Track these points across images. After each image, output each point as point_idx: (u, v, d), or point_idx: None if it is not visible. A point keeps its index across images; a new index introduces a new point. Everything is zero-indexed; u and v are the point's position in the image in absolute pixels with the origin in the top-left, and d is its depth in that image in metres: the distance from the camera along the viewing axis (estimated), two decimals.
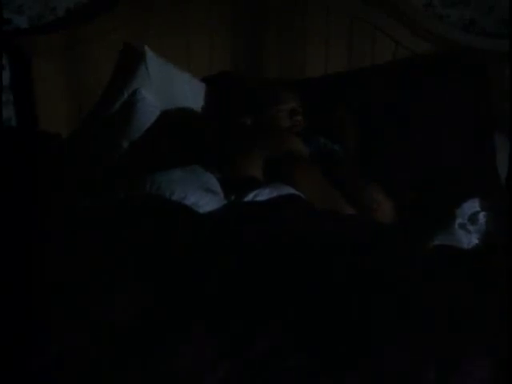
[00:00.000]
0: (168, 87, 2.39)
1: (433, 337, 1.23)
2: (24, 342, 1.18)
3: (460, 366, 1.17)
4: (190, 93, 2.42)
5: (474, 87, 2.41)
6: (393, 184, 2.14)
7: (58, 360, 1.14)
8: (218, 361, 1.16)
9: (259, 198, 1.77)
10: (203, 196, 1.74)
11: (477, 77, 2.43)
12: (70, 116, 2.47)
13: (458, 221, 1.93)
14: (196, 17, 2.49)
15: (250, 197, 1.78)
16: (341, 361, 1.17)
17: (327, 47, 2.57)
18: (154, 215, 1.60)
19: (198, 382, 1.12)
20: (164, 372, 1.14)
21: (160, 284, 1.35)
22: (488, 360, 1.19)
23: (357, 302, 1.32)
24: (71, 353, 1.16)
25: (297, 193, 1.84)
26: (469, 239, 1.86)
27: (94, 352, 1.17)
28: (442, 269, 1.54)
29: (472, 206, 1.98)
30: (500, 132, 2.40)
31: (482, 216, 1.94)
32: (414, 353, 1.19)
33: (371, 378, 1.14)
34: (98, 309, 1.26)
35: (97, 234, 1.53)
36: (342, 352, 1.19)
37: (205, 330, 1.22)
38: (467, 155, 2.30)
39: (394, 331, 1.24)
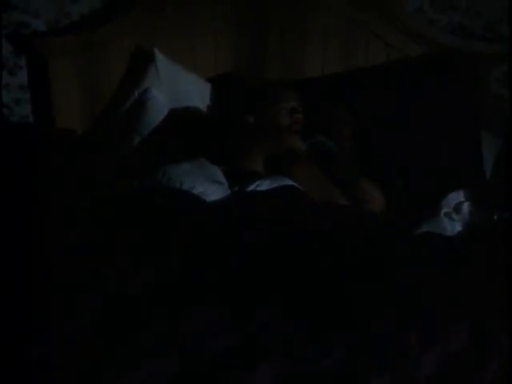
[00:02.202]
0: (176, 87, 2.46)
1: (417, 310, 1.33)
2: (24, 329, 1.22)
3: (440, 336, 1.26)
4: (196, 92, 2.49)
5: (463, 87, 2.51)
6: (385, 178, 2.24)
7: (58, 347, 1.17)
8: (219, 333, 1.22)
9: (260, 188, 1.86)
10: (210, 186, 1.83)
11: (466, 77, 2.54)
12: (84, 114, 2.54)
13: (444, 210, 2.04)
14: (201, 20, 2.55)
15: (251, 187, 1.86)
16: (330, 328, 1.26)
17: (325, 49, 2.64)
18: (170, 202, 1.69)
19: (198, 350, 1.18)
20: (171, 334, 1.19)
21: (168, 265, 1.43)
22: (465, 333, 1.28)
23: (348, 280, 1.41)
24: (71, 340, 1.18)
25: (295, 184, 1.92)
26: (453, 227, 1.97)
27: (95, 335, 1.20)
28: (428, 252, 1.65)
29: (457, 196, 2.09)
30: (485, 130, 2.52)
31: (465, 206, 2.05)
32: (400, 322, 1.28)
33: (358, 341, 1.23)
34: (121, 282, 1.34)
35: (123, 213, 1.62)
36: (332, 321, 1.28)
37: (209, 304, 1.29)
38: (455, 151, 2.39)
39: (381, 303, 1.33)
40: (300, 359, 1.18)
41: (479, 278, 1.52)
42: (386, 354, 1.21)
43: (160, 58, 2.44)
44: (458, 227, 1.98)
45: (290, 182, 1.93)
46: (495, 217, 1.99)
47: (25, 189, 2.01)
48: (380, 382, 1.14)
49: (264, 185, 1.88)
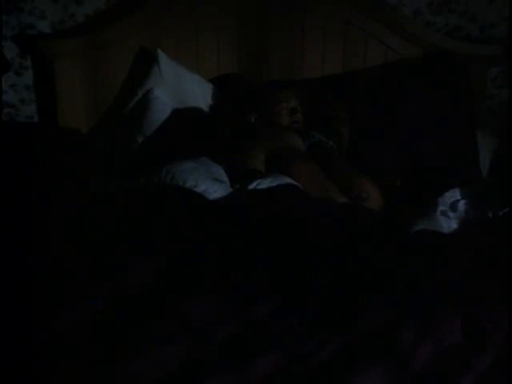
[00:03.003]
0: (179, 87, 2.49)
1: (413, 305, 1.34)
2: (36, 314, 1.22)
3: (434, 330, 1.27)
4: (198, 92, 2.52)
5: (458, 87, 2.54)
6: (382, 176, 2.27)
7: (70, 333, 1.17)
8: (220, 323, 1.22)
9: (261, 187, 1.88)
10: (212, 184, 1.85)
11: (461, 78, 2.57)
12: (88, 114, 2.58)
13: (440, 208, 2.04)
14: (204, 22, 2.59)
15: (252, 185, 1.88)
16: (331, 319, 1.27)
17: (324, 51, 2.68)
18: (173, 200, 1.71)
19: (205, 341, 1.18)
20: (175, 329, 1.20)
21: (175, 256, 1.44)
22: (459, 326, 1.29)
23: (348, 272, 1.44)
24: (83, 326, 1.19)
25: (294, 183, 1.96)
26: (449, 224, 1.98)
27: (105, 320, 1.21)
28: (423, 247, 1.67)
29: (453, 195, 2.10)
30: (481, 129, 2.55)
31: (461, 204, 2.07)
32: (396, 316, 1.29)
33: (358, 333, 1.24)
34: (123, 276, 1.35)
35: (124, 212, 1.63)
36: (333, 312, 1.30)
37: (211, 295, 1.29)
38: (451, 150, 2.42)
39: (379, 298, 1.35)
40: (299, 351, 1.19)
41: (476, 274, 1.54)
42: (382, 346, 1.22)
43: (163, 58, 2.48)
44: (454, 224, 2.00)
45: (290, 181, 1.96)
46: (490, 214, 2.02)
47: (28, 187, 2.03)
48: (377, 373, 1.16)
49: (265, 183, 1.90)
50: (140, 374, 1.11)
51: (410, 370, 1.19)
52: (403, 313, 1.32)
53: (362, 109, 2.49)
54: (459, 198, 2.11)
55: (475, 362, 1.22)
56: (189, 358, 1.15)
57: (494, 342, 1.27)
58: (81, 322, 1.20)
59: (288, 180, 1.96)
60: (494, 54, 2.66)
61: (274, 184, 1.91)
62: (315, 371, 1.17)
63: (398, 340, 1.24)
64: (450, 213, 2.06)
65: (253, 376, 1.13)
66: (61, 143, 2.50)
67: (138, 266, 1.38)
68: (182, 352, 1.16)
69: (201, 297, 1.29)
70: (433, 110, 2.48)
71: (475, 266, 1.58)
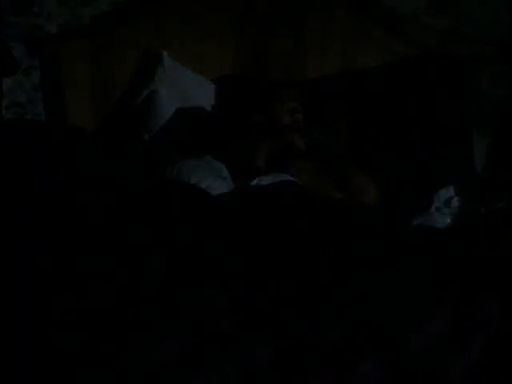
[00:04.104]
0: (182, 87, 2.53)
1: (402, 298, 1.36)
2: (50, 304, 1.25)
3: (422, 326, 1.28)
4: (201, 93, 2.57)
5: (454, 87, 2.57)
6: (380, 173, 2.31)
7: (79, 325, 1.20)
8: (219, 316, 1.24)
9: (262, 183, 1.93)
10: (215, 181, 1.91)
11: (457, 78, 2.60)
12: (94, 113, 2.62)
13: (435, 205, 2.10)
14: (207, 25, 2.63)
15: (254, 182, 1.94)
16: (329, 310, 1.30)
17: (324, 52, 2.71)
18: (177, 195, 1.76)
19: (205, 334, 1.20)
20: (175, 325, 1.21)
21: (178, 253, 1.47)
22: (449, 319, 1.30)
23: (344, 267, 1.47)
24: (82, 321, 1.21)
25: (294, 180, 1.99)
26: (443, 220, 2.04)
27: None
28: (418, 243, 1.68)
29: (447, 192, 2.16)
30: (476, 128, 2.59)
31: (455, 201, 2.12)
32: (390, 307, 1.32)
33: (356, 323, 1.27)
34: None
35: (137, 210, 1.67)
36: (331, 304, 1.32)
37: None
38: (447, 148, 2.46)
39: (376, 290, 1.38)
40: (299, 340, 1.21)
41: (467, 267, 1.55)
42: (380, 336, 1.25)
43: (167, 59, 2.53)
44: (448, 221, 2.05)
45: (289, 178, 2.00)
46: (482, 210, 2.06)
47: (30, 186, 1.99)
48: (377, 361, 1.18)
49: (266, 180, 1.95)
50: (139, 368, 1.14)
51: (407, 359, 1.20)
52: (395, 305, 1.34)
53: (362, 109, 2.53)
54: (453, 194, 2.16)
55: (464, 353, 1.23)
56: (188, 351, 1.17)
57: (483, 334, 1.28)
58: (80, 322, 1.23)
59: (288, 177, 2.00)
60: (490, 55, 2.70)
61: (274, 181, 1.94)
62: (315, 360, 1.18)
63: (394, 330, 1.26)
64: (444, 209, 2.11)
65: (253, 367, 1.15)
66: (66, 142, 2.49)
67: (137, 266, 1.41)
68: (181, 346, 1.18)
69: (200, 292, 1.32)
70: (430, 109, 2.52)
71: (472, 261, 1.59)
